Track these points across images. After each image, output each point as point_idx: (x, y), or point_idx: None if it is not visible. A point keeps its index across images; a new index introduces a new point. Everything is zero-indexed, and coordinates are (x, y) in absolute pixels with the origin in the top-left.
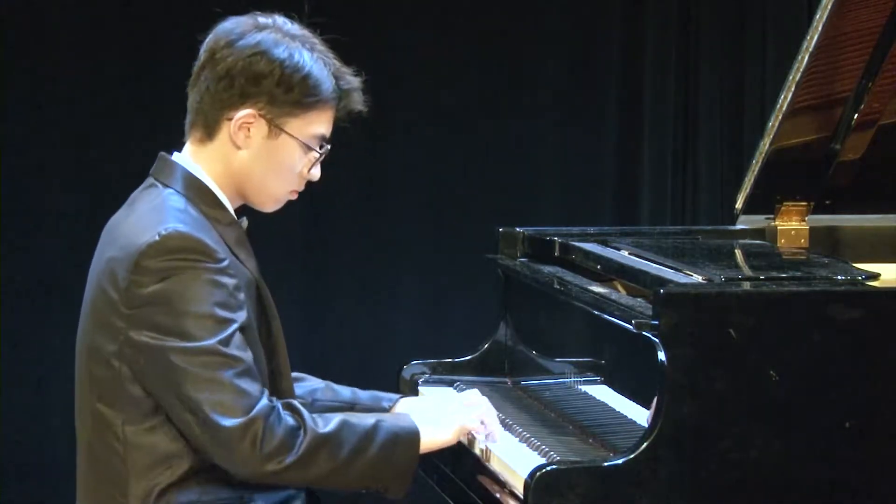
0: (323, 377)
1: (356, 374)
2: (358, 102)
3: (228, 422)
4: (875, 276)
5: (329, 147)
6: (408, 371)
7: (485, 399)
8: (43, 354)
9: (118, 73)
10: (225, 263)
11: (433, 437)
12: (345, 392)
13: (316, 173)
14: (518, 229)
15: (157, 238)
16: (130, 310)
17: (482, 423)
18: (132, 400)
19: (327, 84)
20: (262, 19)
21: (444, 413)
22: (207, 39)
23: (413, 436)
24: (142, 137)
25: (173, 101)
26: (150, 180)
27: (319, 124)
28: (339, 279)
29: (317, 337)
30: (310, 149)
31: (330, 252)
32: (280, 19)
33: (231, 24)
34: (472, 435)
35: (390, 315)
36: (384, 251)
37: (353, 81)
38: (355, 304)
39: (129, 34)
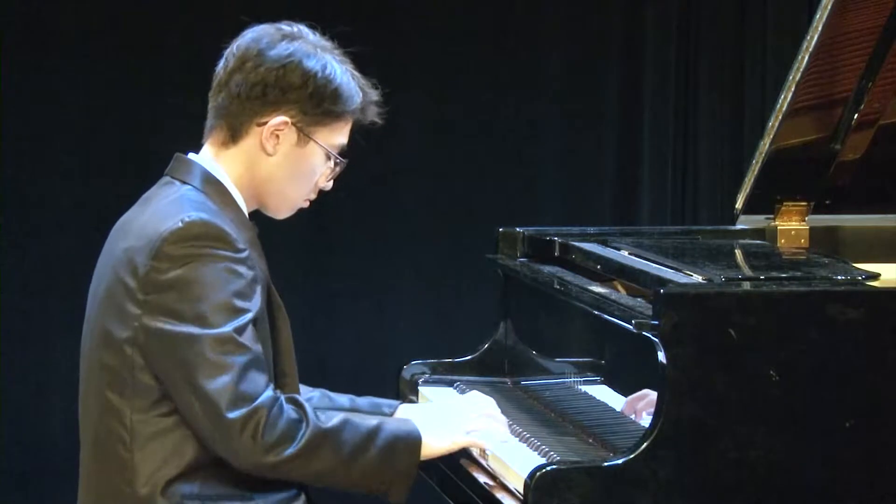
0: (323, 377)
1: (356, 374)
2: (374, 114)
3: (231, 412)
4: (875, 276)
5: (346, 160)
6: (408, 371)
7: (498, 414)
8: (43, 355)
9: (120, 74)
10: (245, 255)
11: (435, 446)
12: (342, 399)
13: (330, 183)
14: (518, 229)
15: (179, 225)
16: (147, 295)
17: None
18: (142, 389)
19: (355, 96)
20: (288, 28)
21: (449, 423)
22: (235, 46)
23: (414, 440)
24: (143, 139)
25: (175, 102)
26: (166, 178)
27: (342, 134)
28: (340, 279)
29: (317, 337)
30: (331, 158)
31: (330, 252)
32: (305, 29)
33: (258, 33)
34: (480, 449)
35: (390, 315)
36: (384, 251)
37: (373, 94)
38: (355, 304)
39: (131, 35)
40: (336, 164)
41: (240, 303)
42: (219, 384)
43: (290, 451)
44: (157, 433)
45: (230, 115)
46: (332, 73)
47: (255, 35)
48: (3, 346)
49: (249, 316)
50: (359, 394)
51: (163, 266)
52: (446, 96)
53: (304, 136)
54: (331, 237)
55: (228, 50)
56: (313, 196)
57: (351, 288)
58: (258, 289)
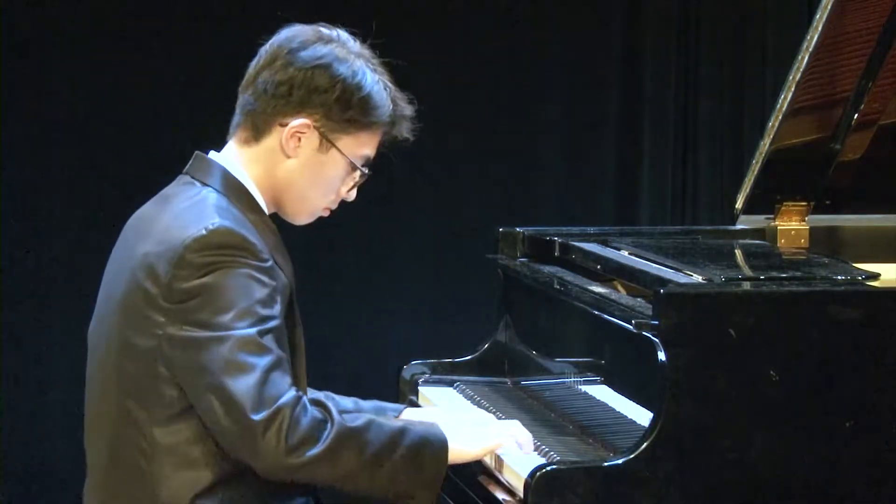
0: (323, 377)
1: (356, 374)
2: (406, 130)
3: (255, 414)
4: (875, 276)
5: (370, 172)
6: (408, 371)
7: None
8: (43, 354)
9: (121, 74)
10: (269, 264)
11: (462, 450)
12: (346, 402)
13: (353, 194)
14: (518, 229)
15: (203, 233)
16: (172, 304)
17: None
18: (164, 401)
19: (385, 107)
20: (326, 31)
21: (476, 429)
22: (270, 43)
23: (442, 444)
24: (144, 138)
25: (176, 102)
26: (185, 178)
27: (368, 145)
28: (339, 279)
29: (317, 337)
30: (355, 168)
31: (330, 251)
32: (344, 34)
33: (295, 33)
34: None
35: (390, 315)
36: (384, 251)
37: (407, 109)
38: (355, 304)
39: (132, 34)
40: (361, 175)
41: (263, 310)
42: (243, 385)
43: (314, 451)
44: (178, 446)
45: (254, 113)
46: (362, 81)
47: (290, 34)
48: (3, 346)
49: (272, 323)
50: (358, 394)
51: (185, 274)
52: (446, 97)
53: (326, 141)
54: (330, 237)
55: (263, 47)
56: (334, 206)
57: (351, 288)
58: (279, 298)
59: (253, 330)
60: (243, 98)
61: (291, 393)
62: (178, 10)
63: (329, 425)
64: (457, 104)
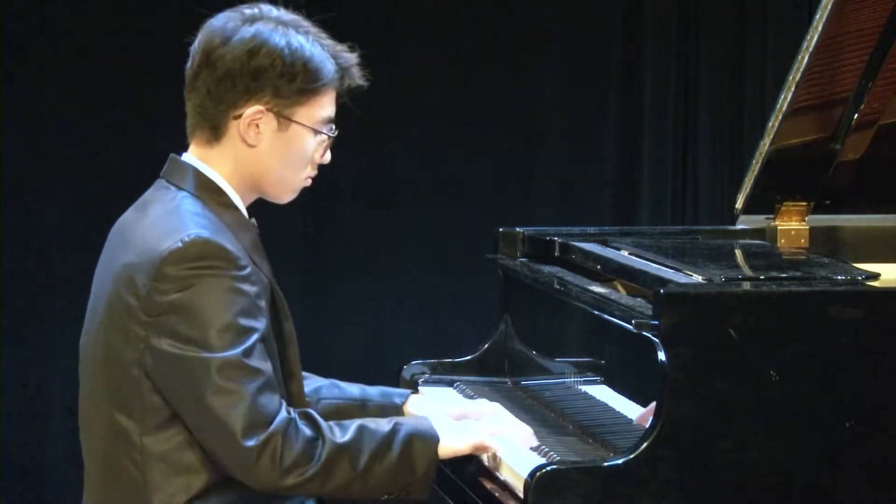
0: (323, 376)
1: (356, 373)
2: (357, 77)
3: (247, 440)
4: (875, 276)
5: (336, 130)
6: (408, 371)
7: (506, 413)
8: (43, 355)
9: (118, 76)
10: (247, 271)
11: (452, 445)
12: (353, 389)
13: (328, 156)
14: (518, 229)
15: (179, 245)
16: (151, 317)
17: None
18: (150, 409)
19: (328, 66)
20: (248, 11)
21: (467, 425)
22: (198, 41)
23: (432, 439)
24: (142, 140)
25: (174, 102)
26: (161, 182)
27: (325, 107)
28: (339, 279)
29: (317, 336)
30: (320, 133)
31: (329, 251)
32: (265, 7)
33: (219, 22)
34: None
35: (390, 315)
36: (384, 251)
37: (350, 58)
38: (355, 304)
39: (130, 34)
40: (328, 138)
41: (245, 322)
42: (232, 412)
43: (310, 471)
44: (169, 453)
45: (207, 114)
46: (299, 49)
47: (214, 26)
48: (3, 346)
49: (256, 336)
50: None
51: (164, 287)
52: (446, 96)
53: (284, 119)
54: (330, 237)
55: (193, 46)
56: (314, 173)
57: (351, 288)
58: (263, 304)
59: (238, 350)
60: (192, 101)
61: (283, 415)
62: (178, 11)
63: (321, 443)
64: (457, 104)
